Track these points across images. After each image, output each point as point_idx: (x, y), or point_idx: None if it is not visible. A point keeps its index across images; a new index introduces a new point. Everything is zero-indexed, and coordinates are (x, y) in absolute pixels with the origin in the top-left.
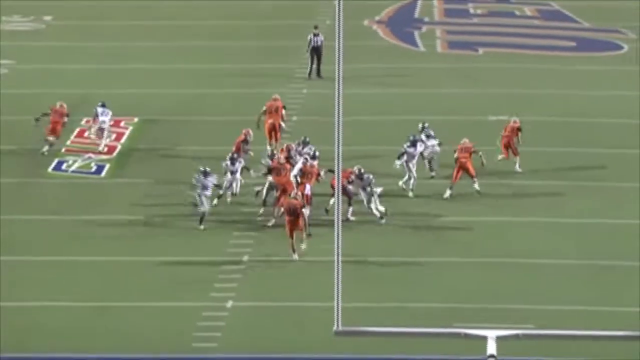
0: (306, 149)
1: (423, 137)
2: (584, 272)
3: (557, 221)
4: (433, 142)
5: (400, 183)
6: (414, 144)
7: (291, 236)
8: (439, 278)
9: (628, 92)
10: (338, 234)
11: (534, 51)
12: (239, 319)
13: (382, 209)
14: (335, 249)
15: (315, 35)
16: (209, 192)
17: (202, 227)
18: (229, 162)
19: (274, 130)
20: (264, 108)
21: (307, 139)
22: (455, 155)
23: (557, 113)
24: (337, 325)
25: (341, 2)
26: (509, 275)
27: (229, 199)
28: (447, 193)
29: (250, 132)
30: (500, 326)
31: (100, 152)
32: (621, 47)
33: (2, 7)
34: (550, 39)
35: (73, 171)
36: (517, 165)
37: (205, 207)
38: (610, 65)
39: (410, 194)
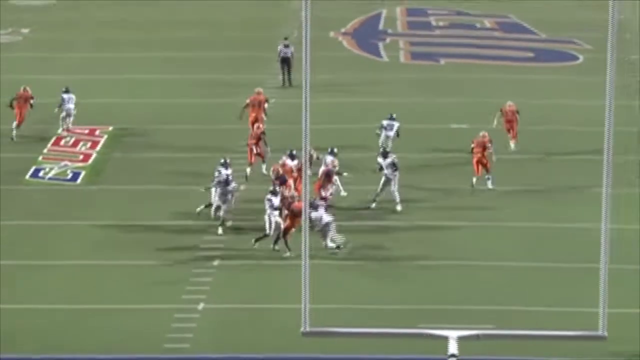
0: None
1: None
2: (536, 274)
3: (511, 225)
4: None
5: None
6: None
7: (286, 234)
8: (403, 281)
9: (583, 101)
10: (305, 238)
11: (493, 62)
12: (210, 320)
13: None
14: (303, 251)
15: (286, 46)
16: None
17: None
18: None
19: (256, 122)
20: (248, 101)
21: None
22: (472, 147)
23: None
24: (305, 327)
25: (308, 14)
26: (465, 277)
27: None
28: (474, 180)
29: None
30: (460, 327)
31: (75, 160)
32: (577, 58)
33: None
34: (509, 50)
35: (50, 178)
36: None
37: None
38: (567, 75)
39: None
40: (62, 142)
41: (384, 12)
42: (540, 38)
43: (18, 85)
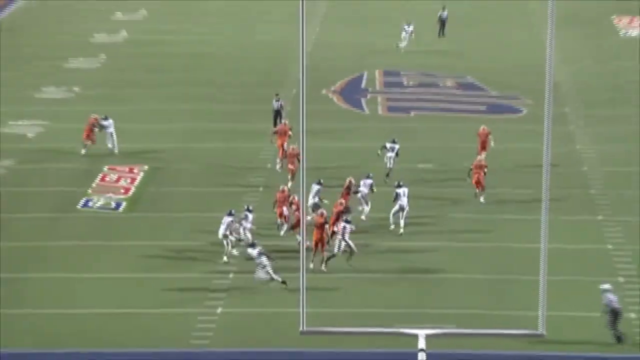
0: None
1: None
2: (485, 284)
3: (466, 245)
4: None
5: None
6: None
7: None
8: (379, 289)
9: (526, 145)
10: (302, 248)
11: (453, 114)
12: (227, 322)
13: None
14: (301, 260)
15: (277, 100)
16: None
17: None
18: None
19: (283, 145)
20: (275, 129)
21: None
22: (471, 170)
23: (471, 162)
24: (302, 326)
25: (304, 77)
26: (429, 287)
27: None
28: (482, 199)
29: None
30: (428, 326)
31: (118, 193)
32: (521, 110)
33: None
34: (466, 104)
35: (98, 207)
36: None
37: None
38: (513, 125)
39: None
40: (107, 179)
41: (366, 74)
42: (490, 94)
43: (71, 135)
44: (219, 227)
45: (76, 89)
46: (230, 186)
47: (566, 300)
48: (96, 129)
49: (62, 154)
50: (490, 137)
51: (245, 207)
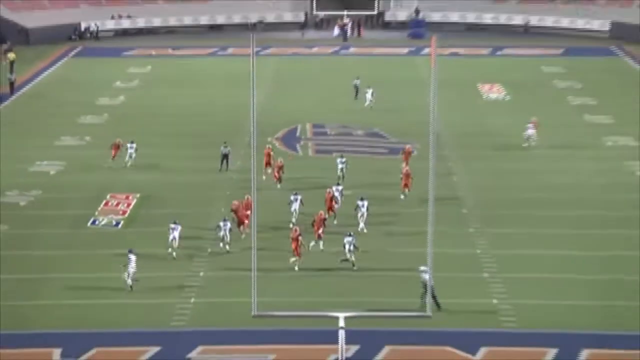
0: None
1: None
2: (388, 276)
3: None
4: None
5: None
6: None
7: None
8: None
9: (417, 179)
10: (254, 238)
11: (362, 155)
12: (199, 309)
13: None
14: (252, 253)
15: (225, 147)
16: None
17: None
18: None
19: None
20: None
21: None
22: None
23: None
24: (254, 310)
25: (254, 128)
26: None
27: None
28: (402, 197)
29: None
30: (347, 310)
31: (117, 214)
32: (413, 152)
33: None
34: (373, 148)
35: (102, 225)
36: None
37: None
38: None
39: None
40: (109, 204)
41: (299, 126)
42: (391, 141)
43: (83, 172)
44: (193, 239)
45: (87, 138)
46: (200, 207)
47: (451, 289)
48: (119, 149)
49: (76, 186)
50: (411, 154)
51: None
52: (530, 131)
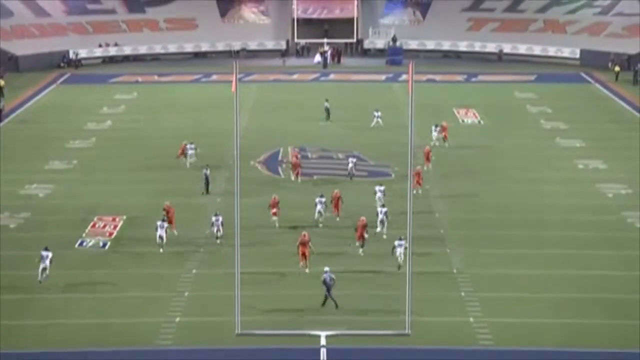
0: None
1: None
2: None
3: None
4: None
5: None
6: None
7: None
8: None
9: (395, 201)
10: (237, 258)
11: (344, 177)
12: (183, 328)
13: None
14: (236, 271)
15: (206, 169)
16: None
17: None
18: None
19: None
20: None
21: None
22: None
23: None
24: (238, 329)
25: (238, 153)
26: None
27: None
28: (420, 191)
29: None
30: (328, 329)
31: (104, 236)
32: (390, 175)
33: (44, 156)
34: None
35: (90, 246)
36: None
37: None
38: (386, 184)
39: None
40: (97, 225)
41: (281, 149)
42: (370, 164)
43: (71, 195)
44: (178, 260)
45: (75, 162)
46: (186, 228)
47: (429, 308)
48: (187, 150)
49: (64, 209)
50: (431, 152)
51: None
52: (435, 134)
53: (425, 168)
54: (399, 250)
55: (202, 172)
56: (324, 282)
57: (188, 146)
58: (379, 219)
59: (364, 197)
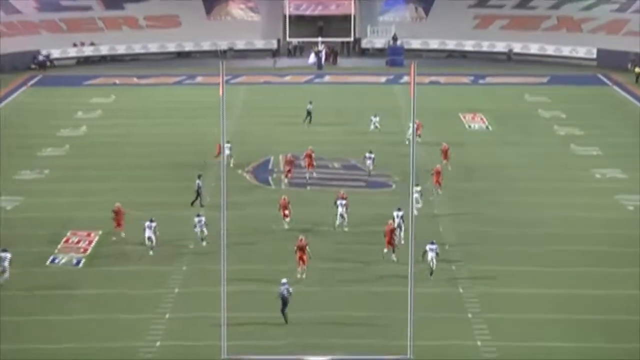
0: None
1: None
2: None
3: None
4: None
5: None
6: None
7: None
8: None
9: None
10: (223, 283)
11: (339, 188)
12: (164, 353)
13: None
14: (222, 296)
15: (199, 178)
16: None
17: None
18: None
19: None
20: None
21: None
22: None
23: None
24: (224, 354)
25: (224, 161)
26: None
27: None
28: (440, 191)
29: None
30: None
31: (78, 252)
32: (391, 185)
33: (13, 165)
34: (350, 181)
35: (62, 264)
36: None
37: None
38: (386, 196)
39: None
40: (70, 241)
41: (272, 158)
42: (368, 174)
43: (42, 206)
44: (159, 278)
45: (46, 171)
46: (169, 244)
47: (433, 330)
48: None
49: (34, 222)
50: (449, 150)
51: None
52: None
53: (446, 165)
54: (431, 255)
55: (196, 183)
56: (282, 296)
57: (226, 146)
58: (396, 224)
59: (365, 206)
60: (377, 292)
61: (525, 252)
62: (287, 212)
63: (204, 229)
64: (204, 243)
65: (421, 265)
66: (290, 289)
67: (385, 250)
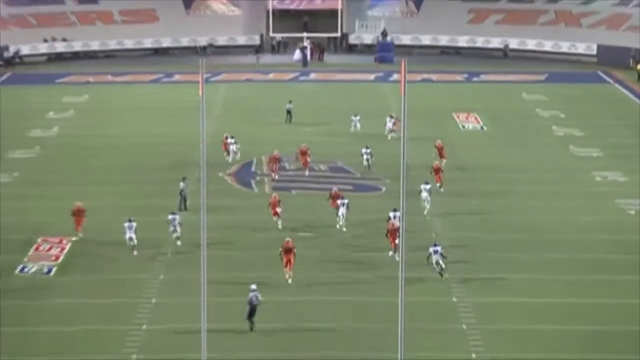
0: None
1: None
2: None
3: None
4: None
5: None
6: None
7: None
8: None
9: (385, 216)
10: (203, 295)
11: (326, 192)
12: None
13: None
14: (202, 311)
15: (183, 181)
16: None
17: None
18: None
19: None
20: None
21: None
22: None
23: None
24: None
25: (204, 164)
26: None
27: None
28: (442, 189)
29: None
30: None
31: (49, 260)
32: (380, 189)
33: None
34: (337, 184)
35: (32, 272)
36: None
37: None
38: (375, 200)
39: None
40: (41, 249)
41: (255, 160)
42: (356, 176)
43: (12, 212)
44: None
45: (15, 174)
46: (146, 250)
47: (427, 341)
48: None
49: (3, 229)
50: (444, 149)
51: None
52: (389, 125)
53: (442, 163)
54: (436, 258)
55: (179, 186)
56: (250, 302)
57: (229, 140)
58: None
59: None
60: (369, 302)
61: (521, 259)
62: (278, 210)
63: (177, 228)
64: (178, 242)
65: (423, 272)
66: (259, 296)
67: (391, 252)
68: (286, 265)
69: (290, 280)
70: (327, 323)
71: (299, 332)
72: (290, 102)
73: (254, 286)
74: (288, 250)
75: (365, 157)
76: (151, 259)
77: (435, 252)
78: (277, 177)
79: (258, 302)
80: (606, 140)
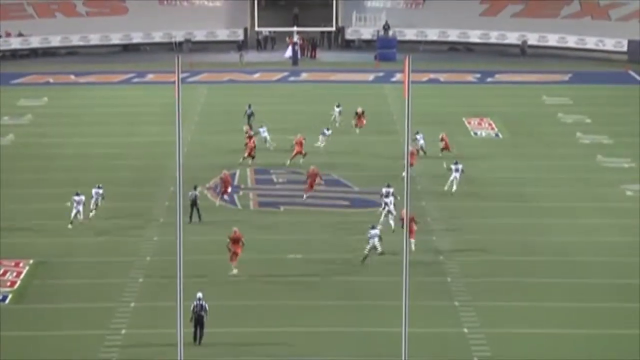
0: None
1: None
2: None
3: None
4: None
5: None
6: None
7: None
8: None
9: (386, 237)
10: (179, 301)
11: (320, 208)
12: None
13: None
14: (177, 319)
15: (195, 189)
16: None
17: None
18: None
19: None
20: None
21: None
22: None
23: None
24: None
25: (180, 176)
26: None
27: None
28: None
29: None
30: None
31: (4, 285)
32: (380, 204)
33: None
34: (332, 200)
35: None
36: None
37: None
38: (373, 217)
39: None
40: None
41: (238, 171)
42: (353, 190)
43: None
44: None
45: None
46: (112, 276)
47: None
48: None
49: None
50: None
51: None
52: (337, 113)
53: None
54: (373, 241)
55: (188, 195)
56: (194, 310)
57: (260, 130)
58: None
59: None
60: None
61: (543, 284)
62: (316, 181)
63: (80, 209)
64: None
65: (424, 278)
66: (206, 305)
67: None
68: (232, 259)
69: (235, 271)
70: (321, 327)
71: (294, 334)
72: (249, 106)
73: (200, 294)
74: (235, 241)
75: (420, 142)
76: (115, 286)
77: (375, 235)
78: (306, 196)
79: (205, 312)
80: (638, 149)
